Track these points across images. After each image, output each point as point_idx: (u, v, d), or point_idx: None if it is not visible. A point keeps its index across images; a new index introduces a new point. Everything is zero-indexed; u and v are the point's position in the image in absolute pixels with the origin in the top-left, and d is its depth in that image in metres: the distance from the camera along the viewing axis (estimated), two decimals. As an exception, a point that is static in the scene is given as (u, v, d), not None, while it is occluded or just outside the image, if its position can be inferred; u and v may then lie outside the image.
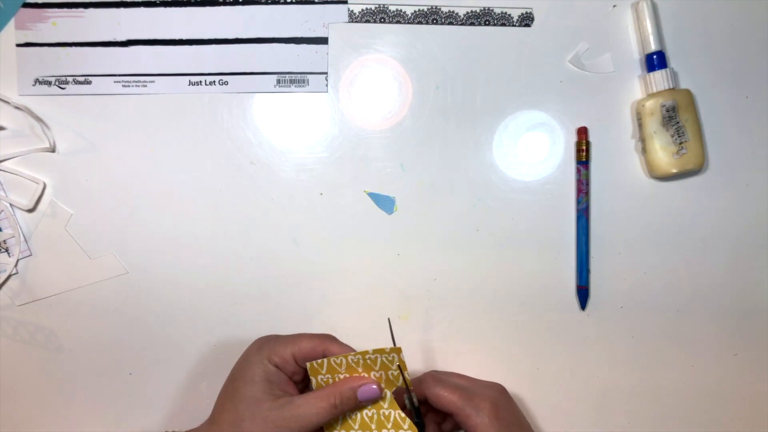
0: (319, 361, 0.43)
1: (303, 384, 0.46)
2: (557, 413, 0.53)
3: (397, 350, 0.41)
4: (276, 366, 0.43)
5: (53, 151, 0.51)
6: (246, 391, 0.42)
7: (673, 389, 0.53)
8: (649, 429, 0.53)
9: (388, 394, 0.43)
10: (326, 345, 0.43)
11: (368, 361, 0.42)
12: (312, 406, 0.41)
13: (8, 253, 0.52)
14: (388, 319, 0.44)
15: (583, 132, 0.51)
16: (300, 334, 0.45)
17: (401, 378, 0.42)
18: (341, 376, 0.43)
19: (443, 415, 0.47)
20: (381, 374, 0.43)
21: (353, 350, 0.43)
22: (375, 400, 0.43)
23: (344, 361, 0.43)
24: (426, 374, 0.47)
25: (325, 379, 0.44)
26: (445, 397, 0.44)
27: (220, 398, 0.44)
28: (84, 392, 0.53)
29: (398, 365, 0.42)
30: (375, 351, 0.42)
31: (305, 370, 0.44)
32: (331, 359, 0.43)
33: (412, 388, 0.43)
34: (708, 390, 0.53)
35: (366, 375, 0.43)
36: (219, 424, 0.43)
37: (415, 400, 0.44)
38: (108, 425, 0.53)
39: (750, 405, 0.53)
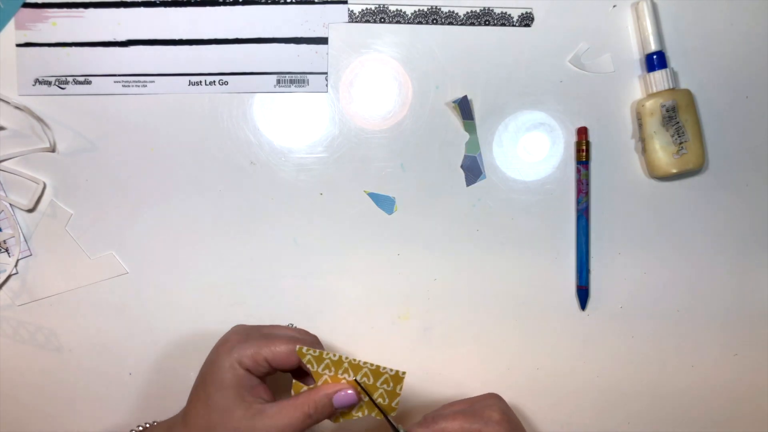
0: (307, 350, 0.41)
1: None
2: (557, 413, 0.53)
3: (398, 378, 0.40)
4: (247, 369, 0.41)
5: (53, 151, 0.51)
6: (217, 398, 0.40)
7: (673, 389, 0.53)
8: (649, 429, 0.53)
9: (363, 402, 0.42)
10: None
11: (365, 372, 0.41)
12: (285, 417, 0.40)
13: (8, 253, 0.52)
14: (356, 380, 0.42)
15: (583, 132, 0.51)
16: (276, 336, 0.42)
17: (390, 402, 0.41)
18: (329, 373, 0.42)
19: None
20: (368, 387, 0.42)
21: (353, 358, 0.42)
22: (351, 406, 0.41)
23: (338, 361, 0.41)
24: (422, 418, 0.45)
25: (311, 366, 0.42)
26: (450, 427, 0.43)
27: (193, 398, 0.42)
28: (84, 392, 0.53)
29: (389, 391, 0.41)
30: (377, 366, 0.40)
31: (280, 372, 0.43)
32: (326, 354, 0.41)
33: (392, 415, 0.42)
34: (708, 390, 0.53)
35: (347, 381, 0.41)
36: (191, 428, 0.41)
37: (401, 429, 0.43)
38: (108, 425, 0.53)
39: (750, 405, 0.54)
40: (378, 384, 0.41)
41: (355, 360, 0.41)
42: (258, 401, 0.41)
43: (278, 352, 0.41)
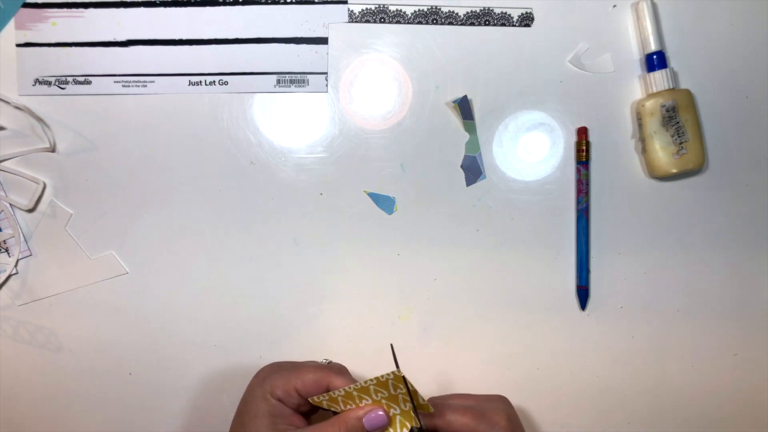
0: (320, 397, 0.42)
1: (313, 414, 0.45)
2: (557, 413, 0.53)
3: (398, 378, 0.39)
4: (279, 399, 0.42)
5: (53, 151, 0.51)
6: (251, 426, 0.41)
7: (673, 389, 0.53)
8: (649, 429, 0.53)
9: (398, 418, 0.41)
10: (330, 378, 0.42)
11: (372, 390, 0.40)
12: None
13: (8, 253, 0.52)
14: (391, 345, 0.41)
15: (583, 132, 0.51)
16: (304, 366, 0.43)
17: (410, 402, 0.40)
18: (351, 406, 0.42)
19: None
20: (388, 401, 0.41)
21: (357, 382, 0.41)
22: (383, 427, 0.41)
23: (348, 393, 0.41)
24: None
25: (333, 407, 0.42)
26: (458, 422, 0.42)
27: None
28: (84, 392, 0.53)
29: (407, 391, 0.39)
30: (377, 379, 0.39)
31: (323, 411, 0.43)
32: (334, 392, 0.41)
33: (431, 410, 0.41)
34: (708, 390, 0.53)
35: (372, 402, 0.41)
36: None
37: (422, 424, 0.42)
38: (108, 425, 0.53)
39: (750, 405, 0.53)
40: (394, 392, 0.40)
41: (358, 384, 0.40)
42: (291, 428, 0.41)
43: (307, 380, 0.42)
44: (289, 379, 0.42)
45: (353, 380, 0.42)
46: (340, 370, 0.43)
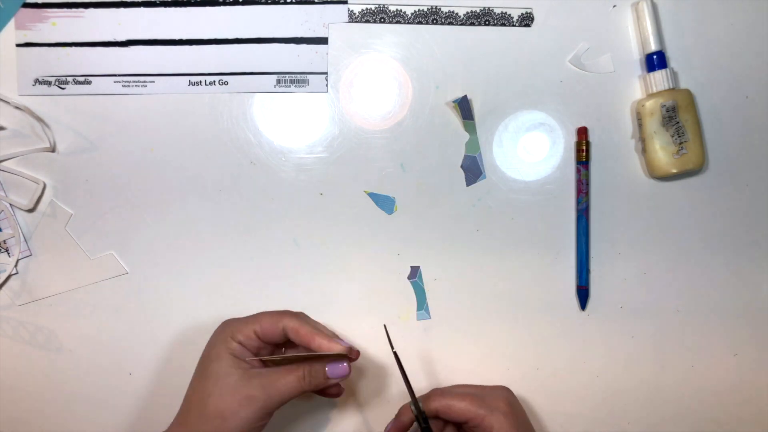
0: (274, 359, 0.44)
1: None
2: (557, 413, 0.53)
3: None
4: (240, 343, 0.44)
5: (53, 151, 0.51)
6: (213, 367, 0.43)
7: (673, 389, 0.53)
8: (649, 429, 0.53)
9: None
10: (285, 321, 0.44)
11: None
12: (281, 377, 0.42)
13: (8, 253, 0.52)
14: (384, 326, 0.44)
15: (583, 132, 0.51)
16: (261, 312, 0.46)
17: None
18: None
19: (443, 425, 0.47)
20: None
21: (310, 323, 0.44)
22: (344, 378, 0.43)
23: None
24: (430, 391, 0.47)
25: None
26: (456, 405, 0.44)
27: (191, 380, 0.45)
28: (84, 392, 0.53)
29: (401, 369, 0.42)
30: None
31: (270, 345, 0.45)
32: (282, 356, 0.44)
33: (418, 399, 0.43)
34: (708, 390, 0.53)
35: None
36: (188, 404, 0.43)
37: (421, 405, 0.43)
38: (108, 425, 0.53)
39: (750, 405, 0.53)
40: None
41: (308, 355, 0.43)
42: (253, 368, 0.43)
43: (264, 322, 0.44)
44: (248, 323, 0.44)
45: (310, 322, 0.44)
46: (296, 313, 0.45)
